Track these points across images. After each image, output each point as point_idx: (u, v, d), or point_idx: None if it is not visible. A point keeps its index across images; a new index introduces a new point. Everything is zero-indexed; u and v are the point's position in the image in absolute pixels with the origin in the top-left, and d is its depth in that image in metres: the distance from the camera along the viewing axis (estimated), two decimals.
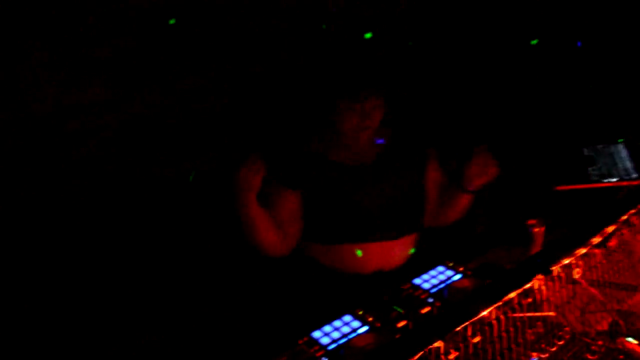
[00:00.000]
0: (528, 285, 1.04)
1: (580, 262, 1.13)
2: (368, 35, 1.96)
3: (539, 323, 1.25)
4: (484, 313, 0.98)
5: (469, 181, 1.78)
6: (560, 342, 1.27)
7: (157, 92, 1.82)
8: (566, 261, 1.11)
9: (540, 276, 1.05)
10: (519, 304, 1.03)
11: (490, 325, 0.98)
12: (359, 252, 1.75)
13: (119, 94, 1.76)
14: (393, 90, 1.75)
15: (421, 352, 0.88)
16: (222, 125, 1.97)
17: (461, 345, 0.94)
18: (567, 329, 1.29)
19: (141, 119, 1.80)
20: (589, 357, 1.24)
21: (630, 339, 1.16)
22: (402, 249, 1.82)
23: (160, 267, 1.91)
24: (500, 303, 0.99)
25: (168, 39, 1.79)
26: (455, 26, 2.45)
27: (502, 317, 1.00)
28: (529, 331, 1.16)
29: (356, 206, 1.74)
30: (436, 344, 0.90)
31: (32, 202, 1.71)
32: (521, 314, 1.04)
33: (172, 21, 1.74)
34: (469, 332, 0.95)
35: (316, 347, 1.40)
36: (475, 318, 0.96)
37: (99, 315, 1.81)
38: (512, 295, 1.01)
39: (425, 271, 1.69)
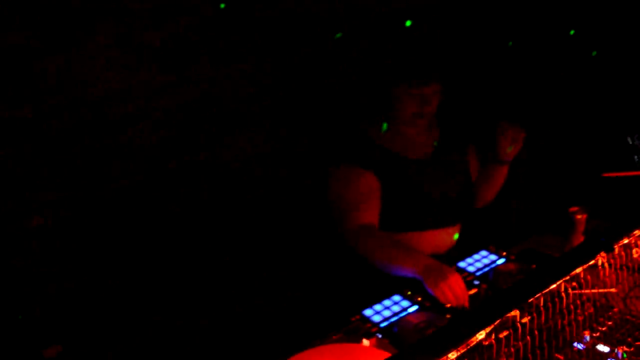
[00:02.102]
0: (592, 262, 1.07)
1: (639, 242, 1.17)
2: (408, 23, 1.99)
3: (589, 304, 1.29)
4: (553, 286, 1.01)
5: (505, 154, 1.88)
6: (610, 323, 1.32)
7: (207, 76, 1.85)
8: (625, 241, 1.15)
9: (603, 254, 1.09)
10: (584, 279, 1.06)
11: (559, 297, 1.02)
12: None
13: (169, 78, 1.79)
14: (449, 77, 1.79)
15: (499, 320, 0.92)
16: (273, 109, 2.00)
17: (534, 314, 0.98)
18: (616, 309, 1.33)
19: (191, 103, 1.84)
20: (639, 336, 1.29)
21: None
22: (452, 235, 1.91)
23: (211, 249, 1.94)
24: (568, 277, 1.03)
25: (218, 23, 1.83)
26: (500, 15, 2.47)
27: (570, 290, 1.04)
28: (580, 311, 1.20)
29: (419, 197, 1.80)
30: (512, 313, 0.94)
31: (83, 184, 1.75)
32: (585, 290, 1.08)
33: (222, 5, 1.77)
34: (541, 303, 0.99)
35: (368, 325, 1.44)
36: (546, 290, 0.99)
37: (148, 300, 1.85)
38: (579, 270, 1.04)
39: (469, 255, 1.73)
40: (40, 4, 1.57)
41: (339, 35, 2.01)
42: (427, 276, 1.51)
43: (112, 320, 1.79)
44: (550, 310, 1.01)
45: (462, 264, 1.68)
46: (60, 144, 1.71)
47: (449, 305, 1.49)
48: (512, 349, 0.97)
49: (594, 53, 2.17)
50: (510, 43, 2.28)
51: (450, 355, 0.86)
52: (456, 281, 1.48)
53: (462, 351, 0.87)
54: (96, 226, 1.80)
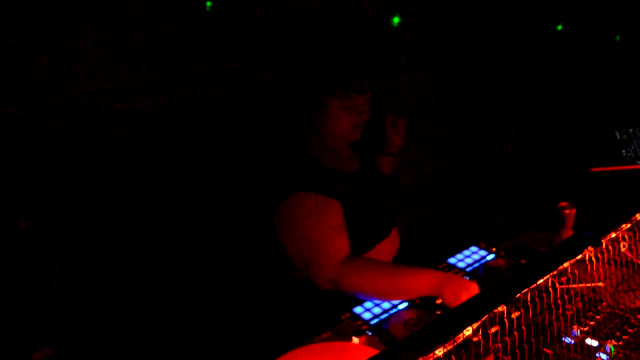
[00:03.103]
0: (580, 257, 1.07)
1: (626, 236, 1.17)
2: (396, 20, 1.99)
3: (578, 298, 1.30)
4: (541, 281, 1.01)
5: (394, 145, 1.90)
6: (599, 317, 1.32)
7: (198, 75, 1.84)
8: (613, 235, 1.15)
9: (590, 248, 1.09)
10: (571, 274, 1.06)
11: (546, 292, 1.02)
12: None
13: (161, 78, 1.78)
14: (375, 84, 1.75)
15: (486, 316, 0.92)
16: (265, 107, 2.00)
17: (522, 309, 0.98)
18: (605, 304, 1.34)
19: (183, 103, 1.83)
20: (629, 330, 1.30)
21: None
22: (395, 243, 1.87)
23: (203, 249, 1.94)
24: (555, 272, 1.03)
25: (208, 22, 1.82)
26: (476, 13, 2.48)
27: (557, 285, 1.04)
28: (568, 306, 1.20)
29: (366, 212, 1.73)
30: (500, 309, 0.94)
31: (75, 183, 1.74)
32: (573, 285, 1.08)
33: (209, 4, 1.76)
34: (529, 299, 0.99)
35: (359, 322, 1.44)
36: (534, 285, 0.99)
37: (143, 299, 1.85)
38: (566, 265, 1.04)
39: (459, 251, 1.74)
40: (30, 2, 1.56)
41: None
42: (444, 290, 1.44)
43: (102, 323, 1.78)
44: (538, 305, 1.01)
45: (452, 260, 1.69)
46: (51, 144, 1.70)
47: (439, 302, 1.50)
48: (500, 345, 0.97)
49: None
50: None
51: (437, 352, 0.86)
52: (475, 290, 1.43)
53: (450, 348, 0.87)
54: (87, 227, 1.79)
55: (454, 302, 1.42)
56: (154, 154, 1.84)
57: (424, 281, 1.48)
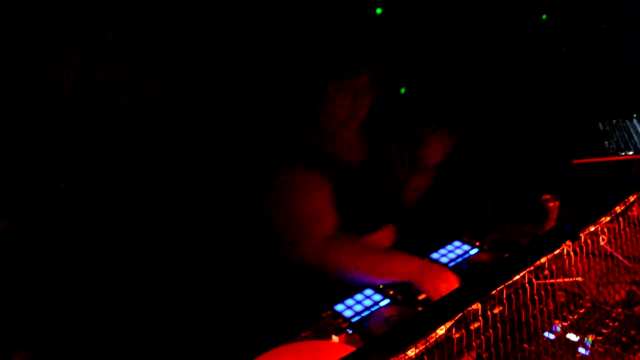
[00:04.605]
0: (557, 251, 1.06)
1: (605, 230, 1.16)
2: (379, 11, 1.96)
3: (560, 292, 1.28)
4: (517, 277, 1.00)
5: (424, 163, 1.86)
6: (582, 311, 1.31)
7: (175, 72, 1.81)
8: (592, 228, 1.13)
9: (568, 242, 1.07)
10: (549, 269, 1.05)
11: (523, 288, 1.01)
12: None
13: (137, 74, 1.75)
14: (382, 68, 1.73)
15: (460, 314, 0.90)
16: (241, 105, 1.97)
17: (497, 307, 0.96)
18: (587, 297, 1.33)
19: (160, 99, 1.80)
20: (610, 323, 1.29)
21: None
22: (388, 237, 1.85)
23: (181, 249, 1.92)
24: (532, 268, 1.01)
25: (184, 18, 1.79)
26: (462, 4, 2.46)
27: (534, 281, 1.02)
28: (550, 301, 1.19)
29: (356, 202, 1.73)
30: (474, 306, 0.92)
31: (53, 183, 1.71)
32: (552, 280, 1.06)
33: None
34: (504, 295, 0.97)
35: (340, 320, 1.43)
36: (509, 282, 0.98)
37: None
38: (543, 260, 1.03)
39: (442, 246, 1.72)
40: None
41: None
42: (422, 278, 1.44)
43: (81, 326, 1.76)
44: (514, 301, 0.99)
45: (435, 255, 1.67)
46: (27, 144, 1.67)
47: (421, 297, 1.48)
48: (474, 344, 0.96)
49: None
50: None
51: (409, 352, 0.84)
52: (454, 282, 1.43)
53: (421, 347, 0.85)
54: (66, 227, 1.76)
55: (433, 294, 1.42)
56: (135, 151, 1.81)
57: (402, 268, 1.49)
